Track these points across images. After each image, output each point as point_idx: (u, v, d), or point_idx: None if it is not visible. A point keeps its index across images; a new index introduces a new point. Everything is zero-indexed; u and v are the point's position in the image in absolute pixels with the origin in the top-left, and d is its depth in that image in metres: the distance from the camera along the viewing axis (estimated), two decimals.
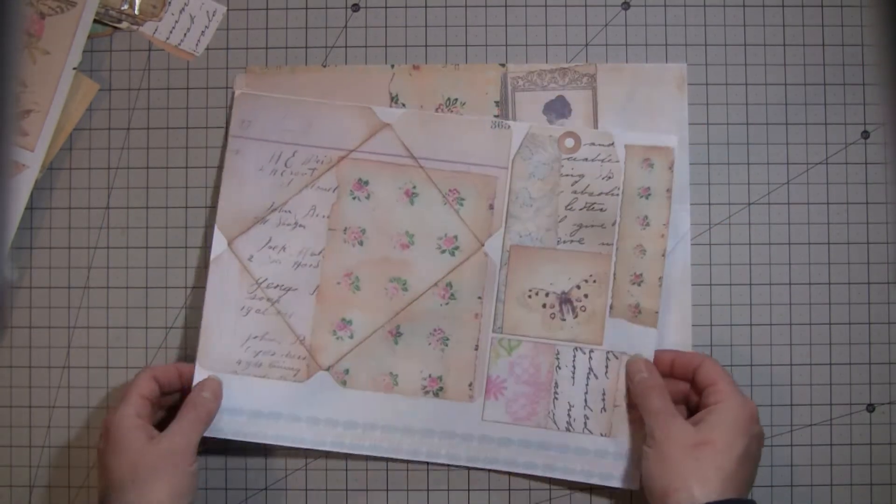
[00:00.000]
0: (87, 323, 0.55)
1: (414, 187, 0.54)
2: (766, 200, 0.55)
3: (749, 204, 0.55)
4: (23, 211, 0.55)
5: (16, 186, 0.53)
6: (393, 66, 0.55)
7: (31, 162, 0.53)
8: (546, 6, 0.55)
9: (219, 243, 0.54)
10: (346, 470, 0.55)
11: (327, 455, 0.54)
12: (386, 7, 0.56)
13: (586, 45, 0.55)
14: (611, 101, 0.55)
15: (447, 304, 0.54)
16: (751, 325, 0.55)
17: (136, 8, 0.55)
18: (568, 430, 0.53)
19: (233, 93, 0.55)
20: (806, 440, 0.54)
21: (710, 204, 0.55)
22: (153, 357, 0.55)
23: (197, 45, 0.56)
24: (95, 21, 0.55)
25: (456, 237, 0.54)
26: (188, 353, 0.55)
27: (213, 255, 0.54)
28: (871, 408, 0.55)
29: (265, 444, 0.53)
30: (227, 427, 0.53)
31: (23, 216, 0.55)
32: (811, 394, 0.55)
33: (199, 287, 0.55)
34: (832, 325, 0.55)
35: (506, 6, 0.55)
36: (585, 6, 0.55)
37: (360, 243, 0.54)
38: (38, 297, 0.55)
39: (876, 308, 0.55)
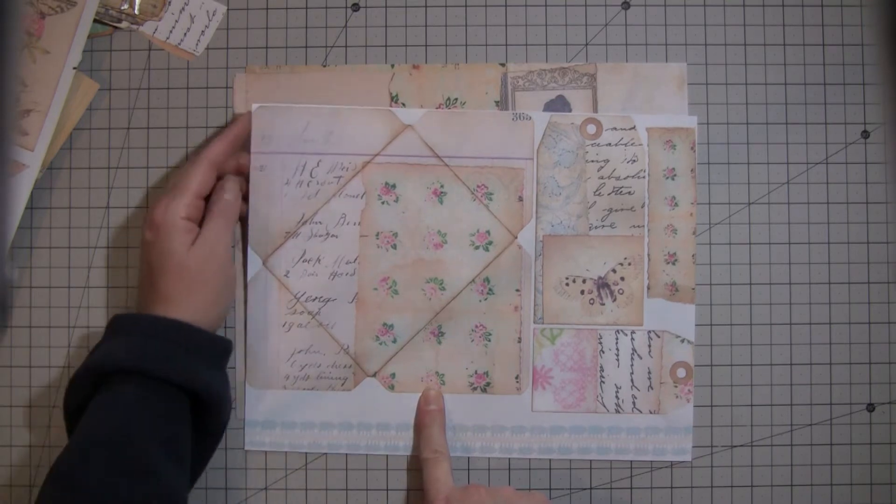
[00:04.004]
0: (87, 323, 0.55)
1: (441, 186, 0.54)
2: (766, 200, 0.55)
3: (749, 203, 0.55)
4: (23, 211, 0.54)
5: (16, 186, 0.53)
6: (393, 65, 0.55)
7: (31, 161, 0.53)
8: (546, 6, 0.55)
9: (253, 263, 0.54)
10: (346, 469, 0.55)
11: (327, 455, 0.54)
12: (386, 7, 0.56)
13: (586, 44, 0.55)
14: (611, 101, 0.55)
15: (486, 299, 0.54)
16: (751, 324, 0.55)
17: (136, 7, 0.55)
18: (618, 411, 0.54)
19: (233, 92, 0.55)
20: (806, 440, 0.54)
21: (710, 203, 0.55)
22: None
23: (197, 44, 0.56)
24: (95, 21, 0.55)
25: (488, 232, 0.54)
26: None
27: (249, 276, 0.54)
28: (871, 407, 0.55)
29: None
30: (282, 440, 0.54)
31: (23, 216, 0.55)
32: (811, 393, 0.55)
33: None
34: (832, 324, 0.55)
35: (506, 6, 0.55)
36: (585, 6, 0.55)
37: (394, 247, 0.54)
38: (38, 296, 0.55)
39: (876, 308, 0.55)
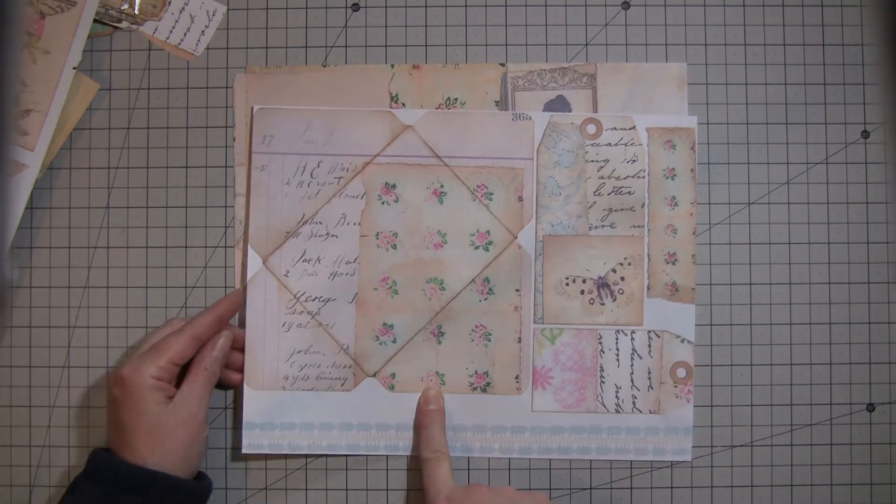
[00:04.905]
0: (87, 323, 0.55)
1: (441, 186, 0.54)
2: (766, 200, 0.55)
3: (749, 203, 0.55)
4: (23, 211, 0.55)
5: (16, 186, 0.53)
6: (393, 65, 0.55)
7: (31, 161, 0.53)
8: (546, 6, 0.55)
9: (253, 262, 0.54)
10: (346, 469, 0.55)
11: (327, 455, 0.54)
12: (386, 7, 0.56)
13: (586, 44, 0.55)
14: (611, 101, 0.55)
15: (486, 299, 0.54)
16: (751, 325, 0.55)
17: (136, 7, 0.55)
18: (617, 411, 0.54)
19: (233, 92, 0.55)
20: (806, 440, 0.54)
21: (710, 203, 0.55)
22: None
23: (197, 44, 0.56)
24: (95, 21, 0.55)
25: (488, 232, 0.54)
26: None
27: (249, 276, 0.54)
28: (871, 408, 0.55)
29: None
30: (281, 442, 0.54)
31: (23, 216, 0.55)
32: (811, 393, 0.55)
33: (199, 287, 0.55)
34: (832, 324, 0.55)
35: (506, 6, 0.55)
36: (585, 6, 0.55)
37: (394, 247, 0.54)
38: (38, 296, 0.55)
39: (876, 308, 0.55)
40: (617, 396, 0.54)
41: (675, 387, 0.54)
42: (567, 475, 0.54)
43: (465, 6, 0.56)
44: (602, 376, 0.54)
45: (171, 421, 0.48)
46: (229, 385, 0.54)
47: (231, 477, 0.55)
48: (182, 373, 0.51)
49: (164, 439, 0.48)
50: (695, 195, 0.54)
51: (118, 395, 0.48)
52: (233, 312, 0.53)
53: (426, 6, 0.56)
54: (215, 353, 0.51)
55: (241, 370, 0.54)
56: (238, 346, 0.54)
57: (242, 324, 0.54)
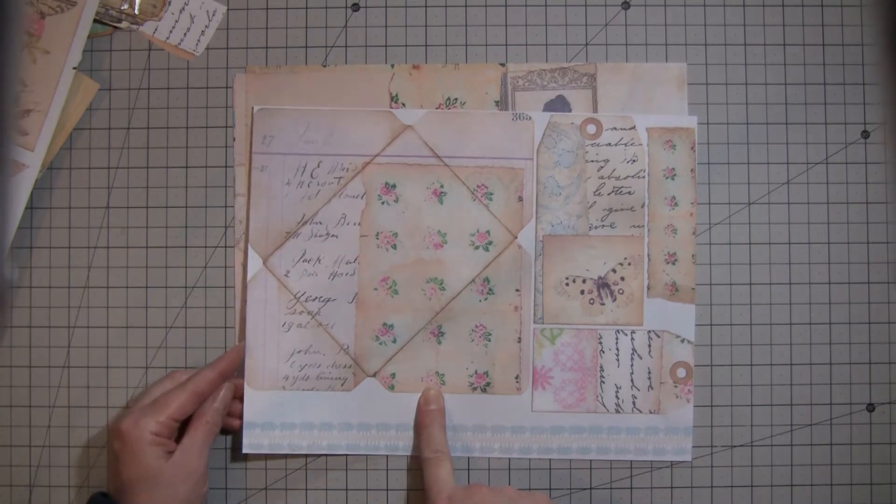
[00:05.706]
0: (87, 323, 0.55)
1: (441, 186, 0.54)
2: (766, 200, 0.55)
3: (749, 203, 0.55)
4: (23, 211, 0.55)
5: (16, 186, 0.53)
6: (393, 65, 0.55)
7: (31, 161, 0.53)
8: (546, 6, 0.55)
9: (254, 263, 0.54)
10: (346, 469, 0.55)
11: (327, 455, 0.54)
12: (386, 7, 0.56)
13: (586, 44, 0.55)
14: (611, 101, 0.55)
15: (486, 299, 0.54)
16: (751, 325, 0.55)
17: (136, 7, 0.55)
18: (617, 411, 0.54)
19: (233, 92, 0.55)
20: (806, 440, 0.54)
21: (710, 203, 0.55)
22: (153, 357, 0.55)
23: (197, 44, 0.56)
24: (95, 21, 0.55)
25: (488, 232, 0.54)
26: (188, 353, 0.55)
27: (249, 276, 0.54)
28: (871, 407, 0.55)
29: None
30: (282, 442, 0.54)
31: (23, 216, 0.55)
32: (811, 393, 0.55)
33: (199, 287, 0.55)
34: (832, 324, 0.55)
35: (506, 6, 0.55)
36: (585, 6, 0.55)
37: (394, 247, 0.54)
38: (38, 296, 0.55)
39: (876, 308, 0.55)
40: (617, 396, 0.54)
41: (675, 387, 0.54)
42: (567, 475, 0.54)
43: (465, 6, 0.56)
44: (602, 376, 0.54)
45: (170, 477, 0.48)
46: (229, 431, 0.54)
47: (231, 477, 0.55)
48: (183, 424, 0.51)
49: (163, 495, 0.47)
50: (695, 195, 0.54)
51: (118, 449, 0.48)
52: (234, 368, 0.53)
53: (426, 6, 0.56)
54: (217, 405, 0.51)
55: (241, 417, 0.54)
56: (239, 396, 0.54)
57: (243, 322, 0.54)
